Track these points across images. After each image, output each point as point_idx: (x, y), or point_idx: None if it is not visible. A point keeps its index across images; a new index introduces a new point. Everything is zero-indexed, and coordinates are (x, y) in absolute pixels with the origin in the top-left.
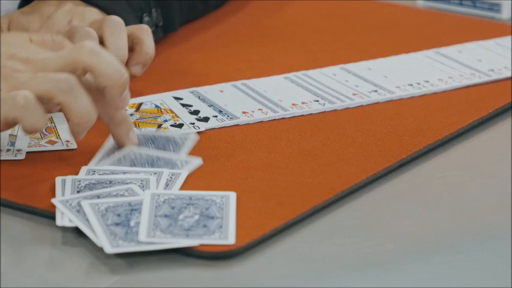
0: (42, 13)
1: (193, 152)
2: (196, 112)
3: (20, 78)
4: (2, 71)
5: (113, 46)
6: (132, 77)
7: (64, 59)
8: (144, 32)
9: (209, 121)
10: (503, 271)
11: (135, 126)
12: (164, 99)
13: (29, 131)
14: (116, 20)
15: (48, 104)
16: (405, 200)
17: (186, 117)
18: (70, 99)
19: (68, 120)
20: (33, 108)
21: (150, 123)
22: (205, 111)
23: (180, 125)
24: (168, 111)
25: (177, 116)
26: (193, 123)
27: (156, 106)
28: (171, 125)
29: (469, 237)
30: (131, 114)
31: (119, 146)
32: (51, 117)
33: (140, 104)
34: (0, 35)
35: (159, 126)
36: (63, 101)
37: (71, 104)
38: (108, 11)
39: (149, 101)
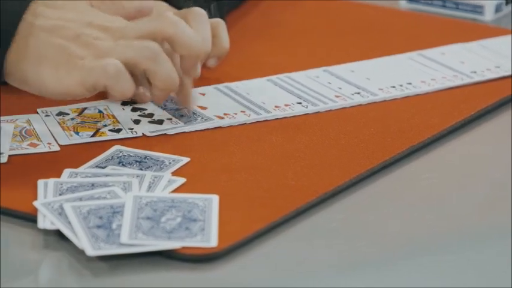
0: None
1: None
2: (150, 115)
3: (103, 45)
4: (83, 39)
5: (171, 12)
6: (208, 68)
7: (145, 28)
8: (221, 26)
9: (163, 123)
10: (488, 271)
11: (74, 130)
12: (110, 104)
13: (118, 98)
14: (201, 12)
15: (133, 70)
16: (388, 201)
17: (126, 122)
18: (155, 65)
19: (153, 85)
20: (123, 76)
21: (89, 127)
22: (163, 114)
23: (119, 130)
24: (110, 116)
25: (118, 122)
26: (131, 128)
27: (100, 111)
28: (110, 130)
29: (452, 238)
30: (72, 119)
31: (182, 104)
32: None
33: (84, 109)
34: (69, 3)
35: (97, 130)
36: (149, 67)
37: (156, 70)
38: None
39: (94, 106)
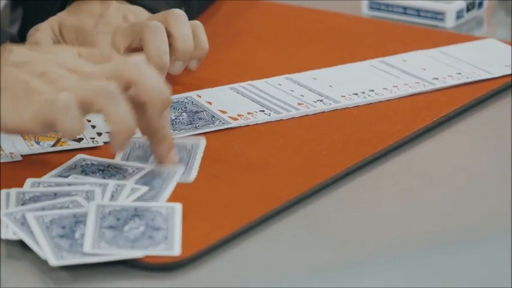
0: (91, 12)
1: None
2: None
3: (64, 84)
4: (48, 76)
5: (180, 36)
6: (188, 71)
7: (109, 71)
8: (199, 28)
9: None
10: (453, 277)
11: (35, 140)
12: None
13: (66, 135)
14: (180, 12)
15: (89, 111)
16: (352, 208)
17: (87, 132)
18: (109, 105)
19: (109, 129)
20: (71, 110)
21: (50, 136)
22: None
23: (80, 140)
24: None
25: None
26: (93, 138)
27: None
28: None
29: (414, 244)
30: None
31: (159, 163)
32: None
33: None
34: (51, 47)
35: (58, 140)
36: (103, 107)
37: (110, 110)
38: (152, 10)
39: None
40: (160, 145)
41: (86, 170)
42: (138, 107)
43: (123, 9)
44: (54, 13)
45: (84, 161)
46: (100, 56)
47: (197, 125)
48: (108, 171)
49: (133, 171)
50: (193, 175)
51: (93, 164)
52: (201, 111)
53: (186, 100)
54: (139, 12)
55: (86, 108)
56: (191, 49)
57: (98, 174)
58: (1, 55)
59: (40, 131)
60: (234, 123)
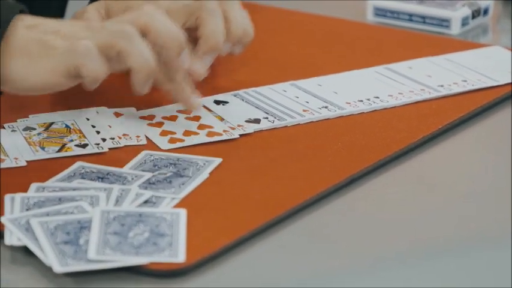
0: None
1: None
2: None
3: (80, 35)
4: (62, 33)
5: (234, 19)
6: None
7: (123, 21)
8: (246, 14)
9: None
10: (457, 285)
11: (40, 146)
12: (76, 119)
13: (91, 80)
14: None
15: (109, 54)
16: (356, 215)
17: (92, 137)
18: (129, 45)
19: (130, 69)
20: (93, 54)
21: (56, 142)
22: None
23: (85, 145)
24: (77, 132)
25: (84, 137)
26: (98, 144)
27: (67, 126)
28: (76, 145)
29: (418, 251)
30: (39, 134)
31: (184, 107)
32: None
33: (51, 124)
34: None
35: (63, 145)
36: (122, 47)
37: (130, 51)
38: None
39: (61, 120)
40: (182, 90)
41: (85, 177)
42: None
43: None
44: None
45: (83, 168)
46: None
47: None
48: (107, 178)
49: (133, 178)
50: (183, 193)
51: (93, 172)
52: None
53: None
54: None
55: (106, 52)
56: (242, 33)
57: (97, 181)
58: (14, 23)
59: (64, 83)
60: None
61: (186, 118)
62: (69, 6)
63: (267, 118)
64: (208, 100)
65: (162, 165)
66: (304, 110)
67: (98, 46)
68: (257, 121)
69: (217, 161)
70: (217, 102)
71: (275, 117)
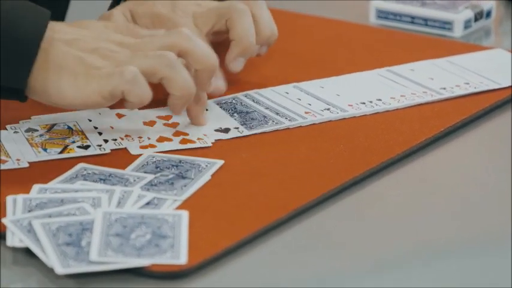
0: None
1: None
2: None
3: (120, 57)
4: (100, 52)
5: (263, 21)
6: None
7: (161, 42)
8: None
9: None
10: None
11: (42, 147)
12: (78, 120)
13: (136, 104)
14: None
15: (150, 79)
16: (358, 217)
17: (94, 139)
18: (172, 73)
19: (170, 94)
20: (140, 81)
21: (58, 144)
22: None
23: (87, 147)
24: (79, 133)
25: (86, 138)
26: (100, 145)
27: (69, 127)
28: (78, 146)
29: (420, 253)
30: (41, 135)
31: (193, 123)
32: None
33: (53, 125)
34: (85, 24)
35: (66, 147)
36: (166, 75)
37: (173, 78)
38: None
39: (63, 122)
40: (199, 106)
41: (87, 179)
42: None
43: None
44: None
45: (85, 170)
46: (126, 28)
47: (251, 125)
48: (109, 180)
49: (135, 180)
50: (185, 195)
51: (95, 173)
52: (252, 111)
53: (234, 101)
54: (206, 1)
55: (149, 77)
56: (270, 33)
57: (99, 183)
58: (48, 35)
59: (104, 103)
60: (286, 124)
61: (164, 124)
62: (70, 6)
63: (237, 128)
64: None
65: (164, 166)
66: (306, 112)
67: (142, 71)
68: (226, 131)
69: (220, 163)
70: None
71: (246, 127)
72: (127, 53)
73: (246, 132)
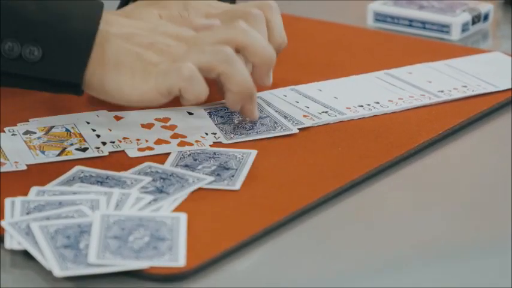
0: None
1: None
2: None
3: (177, 52)
4: (157, 47)
5: (276, 28)
6: None
7: (218, 36)
8: None
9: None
10: None
11: (40, 150)
12: (76, 123)
13: (192, 101)
14: (274, 3)
15: (207, 75)
16: (356, 220)
17: (92, 141)
18: (230, 68)
19: (227, 90)
20: (197, 79)
21: (56, 146)
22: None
23: (85, 149)
24: (77, 135)
25: (84, 140)
26: (98, 147)
27: (67, 130)
28: (76, 149)
29: (418, 256)
30: (39, 137)
31: (247, 118)
32: None
33: (51, 128)
34: (129, 11)
35: (64, 149)
36: (224, 70)
37: (231, 73)
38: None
39: (61, 124)
40: (253, 102)
41: (84, 181)
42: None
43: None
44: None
45: (82, 172)
46: (179, 18)
47: (258, 130)
48: (106, 182)
49: (132, 182)
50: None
51: (92, 176)
52: (265, 117)
53: None
54: (219, 2)
55: (206, 73)
56: (282, 41)
57: (96, 185)
58: (103, 28)
59: (161, 100)
60: (294, 130)
61: (162, 127)
62: None
63: (214, 134)
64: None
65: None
66: (304, 116)
67: (200, 67)
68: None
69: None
70: (189, 113)
71: (225, 133)
72: (183, 47)
73: (222, 138)
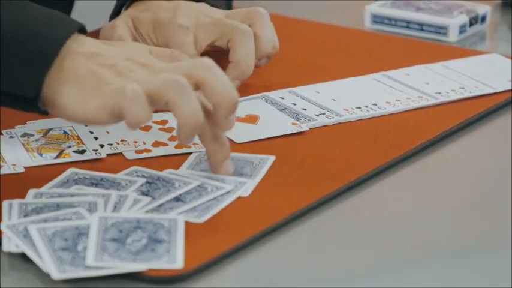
0: (163, 6)
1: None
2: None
3: (134, 77)
4: (117, 69)
5: (265, 37)
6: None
7: (180, 69)
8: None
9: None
10: None
11: (38, 152)
12: (74, 125)
13: (132, 124)
14: (264, 11)
15: (157, 103)
16: (354, 221)
17: (90, 143)
18: (179, 98)
19: (177, 123)
20: (139, 100)
21: (53, 148)
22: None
23: (83, 151)
24: (75, 138)
25: (82, 143)
26: (95, 150)
27: (64, 132)
28: (74, 151)
29: (417, 257)
30: (37, 140)
31: (213, 171)
32: None
33: (49, 130)
34: (125, 42)
35: (61, 152)
36: (172, 99)
37: (179, 103)
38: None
39: (58, 127)
40: (218, 152)
41: (78, 183)
42: (204, 110)
43: (195, 5)
44: (115, 12)
45: (76, 174)
46: (170, 55)
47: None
48: (101, 184)
49: (127, 184)
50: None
51: (86, 178)
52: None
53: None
54: (210, 9)
55: (155, 100)
56: (271, 49)
57: (91, 187)
58: (71, 46)
59: (107, 121)
60: (304, 128)
61: (160, 129)
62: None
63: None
64: None
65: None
66: (293, 124)
67: (147, 92)
68: None
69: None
70: None
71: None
72: (143, 74)
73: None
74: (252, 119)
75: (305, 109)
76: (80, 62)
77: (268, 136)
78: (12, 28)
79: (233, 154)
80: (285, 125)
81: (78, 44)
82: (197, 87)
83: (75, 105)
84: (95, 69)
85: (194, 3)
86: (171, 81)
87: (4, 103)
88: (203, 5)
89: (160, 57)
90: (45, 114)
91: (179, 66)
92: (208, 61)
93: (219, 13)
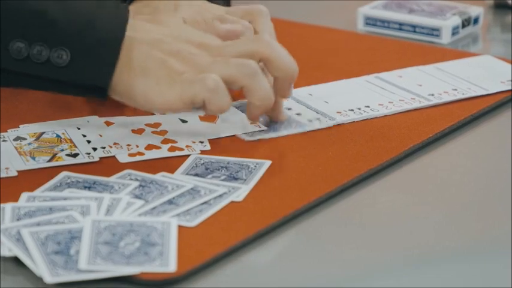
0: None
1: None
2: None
3: (201, 61)
4: (182, 55)
5: (267, 34)
6: None
7: (243, 48)
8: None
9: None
10: None
11: (31, 156)
12: (67, 128)
13: (215, 112)
14: (265, 9)
15: (230, 86)
16: (347, 224)
17: (83, 147)
18: (253, 82)
19: (249, 102)
20: (222, 90)
21: (46, 152)
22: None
23: (76, 155)
24: (67, 141)
25: (75, 146)
26: (88, 153)
27: (57, 135)
28: (66, 155)
29: (409, 259)
30: (29, 143)
31: (274, 120)
32: None
33: (41, 134)
34: (161, 15)
35: (54, 155)
36: (247, 84)
37: (254, 88)
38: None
39: (51, 130)
40: (278, 109)
41: (71, 187)
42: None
43: (195, 1)
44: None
45: (69, 178)
46: (203, 23)
47: (275, 126)
48: (94, 187)
49: (120, 187)
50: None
51: (79, 181)
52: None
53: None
54: (211, 5)
55: (229, 85)
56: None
57: (84, 191)
58: (130, 34)
59: (184, 108)
60: (308, 128)
61: (153, 132)
62: None
63: (258, 127)
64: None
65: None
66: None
67: (223, 79)
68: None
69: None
70: (182, 120)
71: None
72: (207, 57)
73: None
74: (211, 118)
75: (299, 114)
76: (147, 52)
77: (226, 135)
78: (68, 18)
79: (229, 158)
80: (243, 124)
81: (134, 30)
82: (262, 61)
83: (154, 95)
84: (162, 58)
85: (194, 0)
86: (244, 67)
87: (70, 92)
88: (203, 1)
89: (196, 26)
90: (105, 99)
91: (240, 46)
92: (266, 37)
93: (219, 10)
